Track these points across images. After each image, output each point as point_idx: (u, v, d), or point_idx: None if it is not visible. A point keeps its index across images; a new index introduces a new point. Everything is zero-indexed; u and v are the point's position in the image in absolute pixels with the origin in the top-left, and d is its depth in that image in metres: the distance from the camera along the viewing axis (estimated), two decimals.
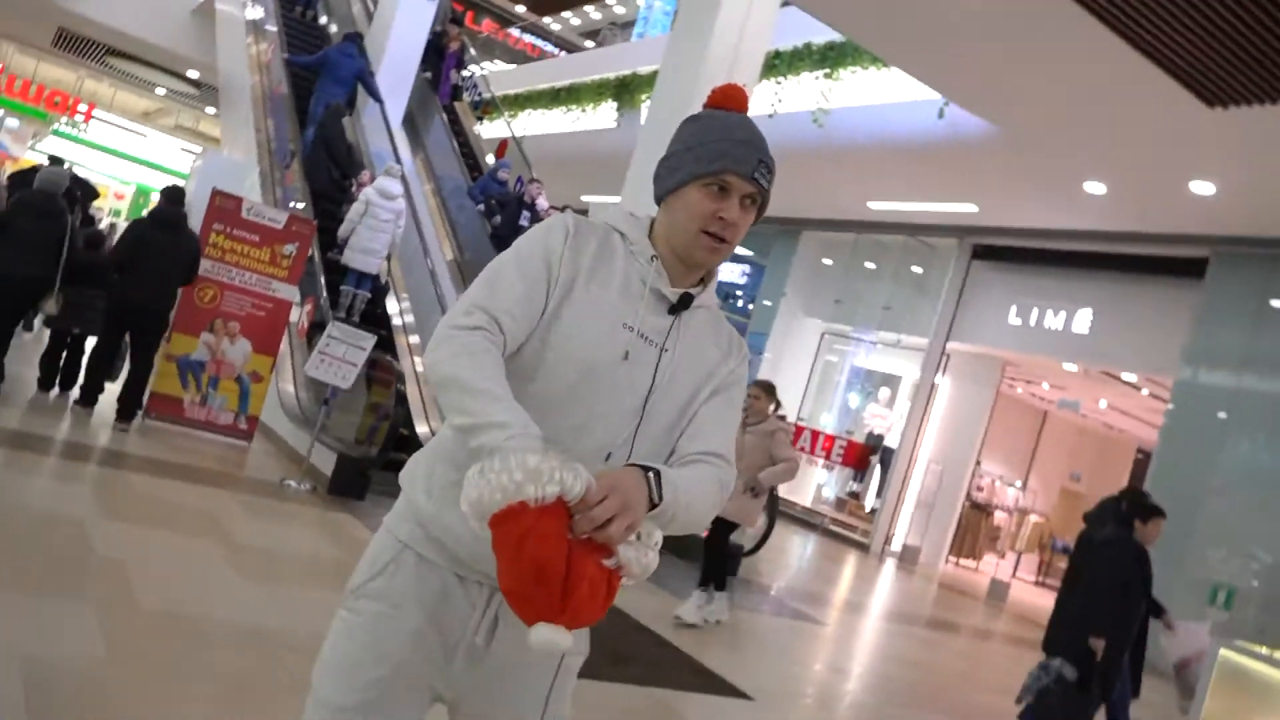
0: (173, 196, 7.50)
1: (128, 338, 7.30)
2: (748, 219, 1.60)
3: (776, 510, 10.81)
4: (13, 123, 28.66)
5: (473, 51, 15.09)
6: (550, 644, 1.27)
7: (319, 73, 11.27)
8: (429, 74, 13.94)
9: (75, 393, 7.53)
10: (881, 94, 10.69)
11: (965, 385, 14.39)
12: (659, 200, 1.65)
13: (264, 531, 5.52)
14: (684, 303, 1.62)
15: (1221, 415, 10.43)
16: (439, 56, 14.33)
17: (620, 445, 1.55)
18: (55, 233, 6.95)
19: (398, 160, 10.66)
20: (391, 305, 9.73)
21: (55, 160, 9.41)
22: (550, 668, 1.58)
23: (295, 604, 4.44)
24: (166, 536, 4.85)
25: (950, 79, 9.24)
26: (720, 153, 1.56)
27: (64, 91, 28.33)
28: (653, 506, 1.38)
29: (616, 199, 9.74)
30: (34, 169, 8.23)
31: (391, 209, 9.49)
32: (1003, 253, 13.48)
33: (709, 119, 1.63)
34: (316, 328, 8.59)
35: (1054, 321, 12.78)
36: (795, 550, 11.90)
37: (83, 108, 28.56)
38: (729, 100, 1.66)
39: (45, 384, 7.63)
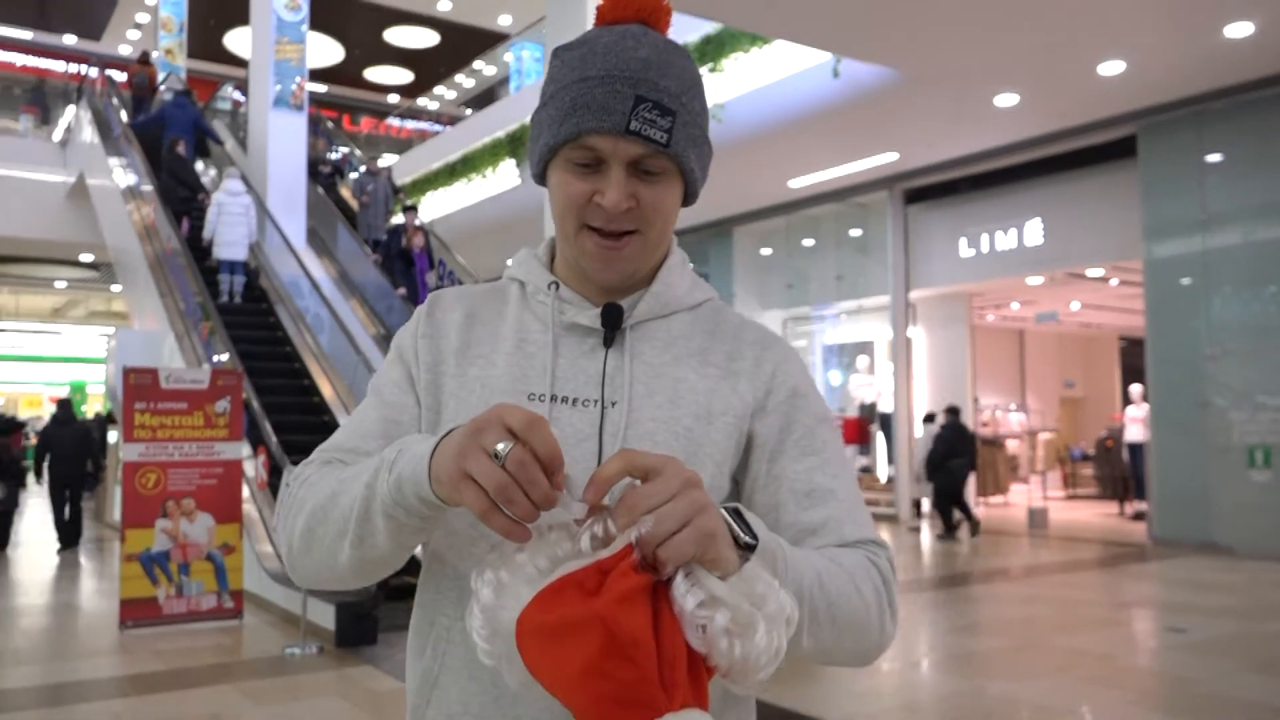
0: (62, 403, 11.25)
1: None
2: (659, 192, 1.01)
3: None
4: None
5: (436, 240, 12.30)
6: None
7: (163, 127, 12.96)
8: (403, 290, 11.19)
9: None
10: (771, 72, 10.45)
11: (939, 329, 14.17)
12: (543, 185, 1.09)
13: (278, 717, 5.01)
14: (613, 319, 1.06)
15: (1185, 281, 10.23)
16: (406, 262, 11.49)
17: None
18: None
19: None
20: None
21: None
22: None
23: None
24: None
25: (834, 34, 8.97)
26: (575, 103, 0.98)
27: None
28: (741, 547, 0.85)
29: None
30: None
31: (240, 203, 11.09)
32: (935, 190, 13.28)
33: (573, 49, 1.03)
34: (275, 474, 8.12)
35: (1005, 241, 12.56)
36: None
37: None
38: (617, 9, 1.04)
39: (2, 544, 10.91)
